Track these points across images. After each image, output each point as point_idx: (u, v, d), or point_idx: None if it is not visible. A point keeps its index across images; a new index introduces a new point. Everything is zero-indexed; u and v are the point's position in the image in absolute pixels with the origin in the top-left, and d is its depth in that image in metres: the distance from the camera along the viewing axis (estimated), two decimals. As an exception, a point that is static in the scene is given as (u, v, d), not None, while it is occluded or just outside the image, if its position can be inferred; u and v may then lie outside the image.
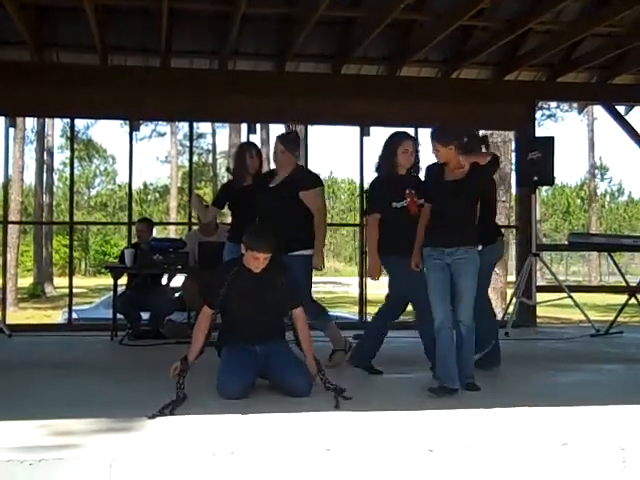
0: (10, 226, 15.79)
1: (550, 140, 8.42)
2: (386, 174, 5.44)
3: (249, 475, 3.07)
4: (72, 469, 2.97)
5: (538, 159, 8.21)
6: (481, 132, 11.44)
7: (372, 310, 5.40)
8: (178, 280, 8.01)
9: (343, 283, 24.73)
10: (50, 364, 4.80)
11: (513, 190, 12.70)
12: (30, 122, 25.70)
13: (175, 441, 3.29)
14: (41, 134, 26.83)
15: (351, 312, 13.11)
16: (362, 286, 8.14)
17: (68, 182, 10.61)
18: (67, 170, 13.70)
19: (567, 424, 3.74)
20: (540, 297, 8.95)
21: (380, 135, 6.44)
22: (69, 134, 10.02)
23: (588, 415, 3.97)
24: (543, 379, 5.53)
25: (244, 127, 9.32)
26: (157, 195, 42.28)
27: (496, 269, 13.97)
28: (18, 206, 22.88)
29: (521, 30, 7.82)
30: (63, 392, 4.65)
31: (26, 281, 27.81)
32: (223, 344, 4.88)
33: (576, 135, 57.76)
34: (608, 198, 46.22)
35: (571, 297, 8.44)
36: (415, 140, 5.64)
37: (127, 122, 9.02)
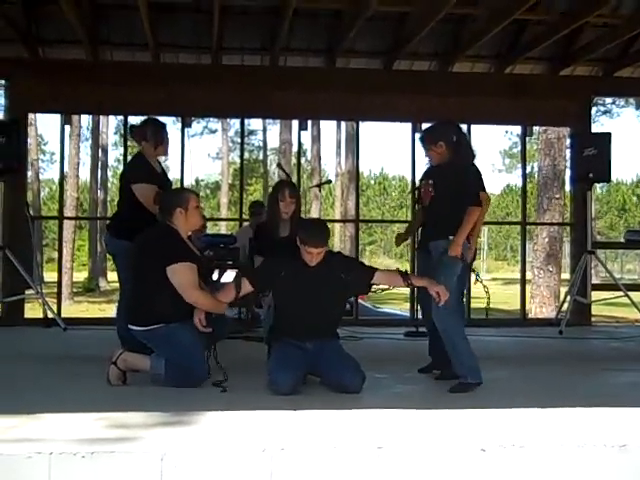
0: (66, 221, 16.05)
1: (607, 136, 8.28)
2: None
3: (299, 472, 3.06)
4: (124, 462, 2.99)
5: (594, 156, 8.08)
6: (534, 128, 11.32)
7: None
8: (229, 276, 8.05)
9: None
10: (104, 358, 4.85)
11: (567, 187, 12.51)
12: (85, 119, 26.17)
13: (226, 436, 3.30)
14: (96, 131, 27.29)
15: (402, 309, 13.06)
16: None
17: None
18: (121, 167, 13.89)
19: (625, 425, 3.65)
20: (595, 295, 8.79)
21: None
22: (123, 131, 10.13)
23: (646, 417, 3.87)
24: (599, 379, 5.42)
25: (295, 124, 9.30)
26: (208, 191, 42.64)
27: (549, 267, 13.84)
28: (74, 202, 23.34)
29: (577, 24, 7.66)
30: (117, 385, 4.70)
31: (81, 275, 28.35)
32: (274, 340, 4.88)
33: (632, 131, 56.71)
34: (665, 195, 45.26)
35: (628, 296, 8.27)
36: None
37: (179, 119, 9.10)
